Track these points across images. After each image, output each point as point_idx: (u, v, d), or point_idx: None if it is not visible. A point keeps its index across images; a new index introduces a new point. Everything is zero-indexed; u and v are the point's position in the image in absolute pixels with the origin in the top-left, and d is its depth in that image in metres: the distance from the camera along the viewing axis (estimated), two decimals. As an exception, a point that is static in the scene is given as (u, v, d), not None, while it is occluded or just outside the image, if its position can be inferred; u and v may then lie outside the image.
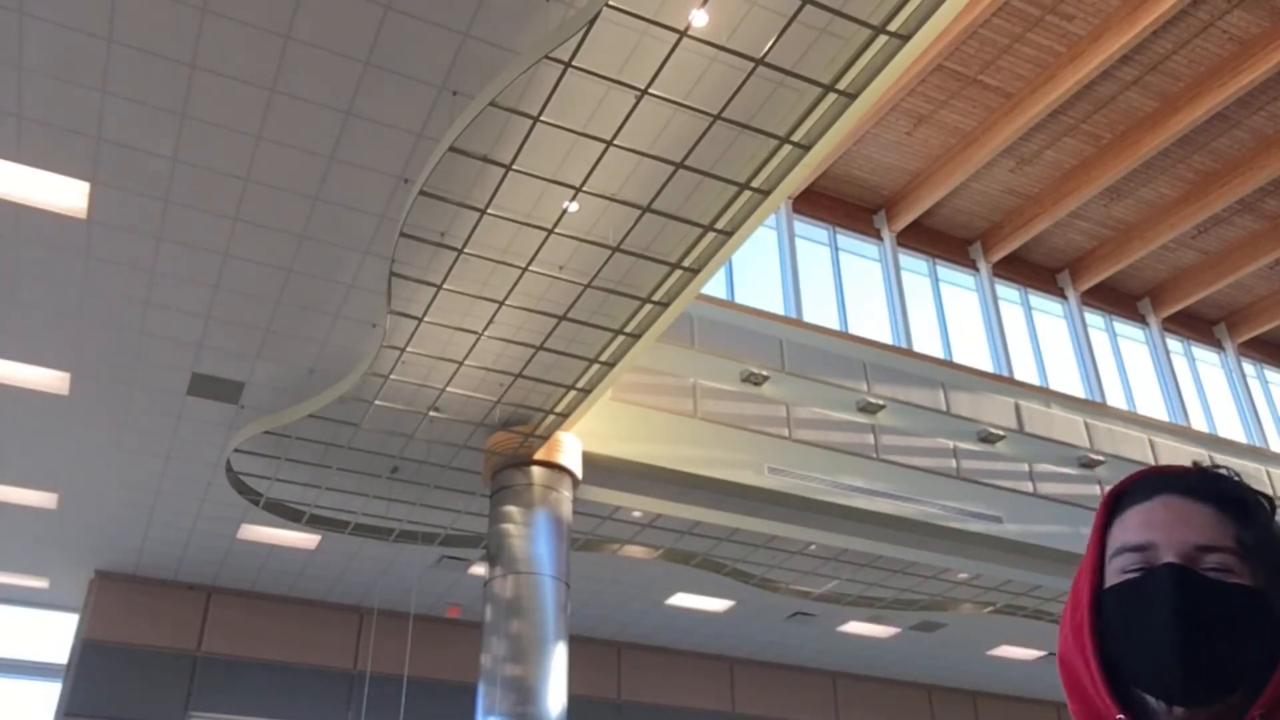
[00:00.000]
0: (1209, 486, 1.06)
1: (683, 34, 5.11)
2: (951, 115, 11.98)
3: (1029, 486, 11.27)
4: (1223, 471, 1.08)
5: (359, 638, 12.27)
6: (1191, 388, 15.23)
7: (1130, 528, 1.06)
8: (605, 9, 4.82)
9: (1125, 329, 15.23)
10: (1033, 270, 14.62)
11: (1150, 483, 1.09)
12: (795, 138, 5.80)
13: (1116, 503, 1.10)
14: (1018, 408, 12.02)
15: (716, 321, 10.59)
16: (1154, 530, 1.03)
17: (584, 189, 6.02)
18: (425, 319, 6.95)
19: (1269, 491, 1.15)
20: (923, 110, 11.94)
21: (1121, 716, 1.00)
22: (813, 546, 10.59)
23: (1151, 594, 0.99)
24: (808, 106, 5.68)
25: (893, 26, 5.19)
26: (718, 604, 12.52)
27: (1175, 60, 11.14)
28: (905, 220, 13.38)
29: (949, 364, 12.39)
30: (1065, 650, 1.05)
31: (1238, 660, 0.95)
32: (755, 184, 6.13)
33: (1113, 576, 1.04)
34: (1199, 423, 14.65)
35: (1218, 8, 10.52)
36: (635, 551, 10.76)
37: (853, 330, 12.33)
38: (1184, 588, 0.98)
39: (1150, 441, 12.81)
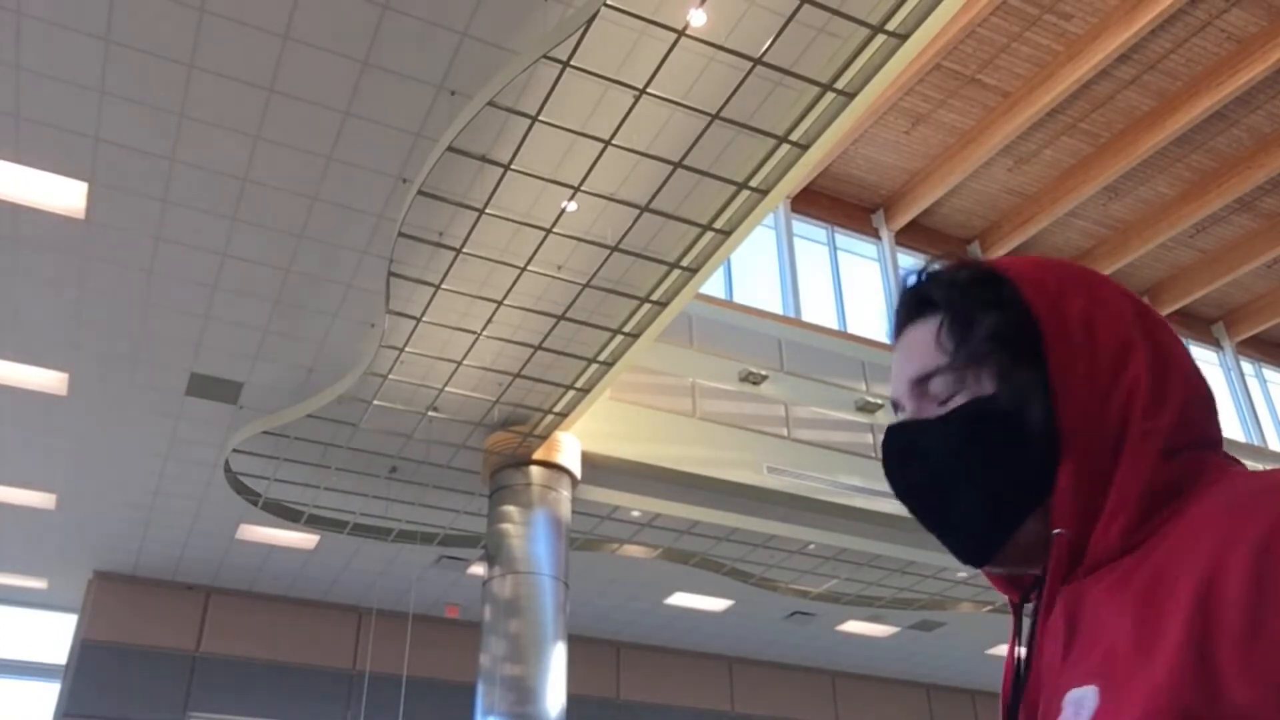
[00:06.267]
0: (913, 298, 0.88)
1: (681, 33, 5.11)
2: (949, 114, 11.98)
3: (1027, 485, 11.27)
4: (942, 263, 0.88)
5: (358, 638, 12.27)
6: (1190, 386, 15.21)
7: None
8: (603, 8, 4.82)
9: (1123, 328, 15.22)
10: (1031, 269, 14.61)
11: (895, 323, 0.92)
12: (793, 137, 5.80)
13: None
14: (1016, 407, 12.01)
15: (715, 321, 10.59)
16: (892, 381, 0.89)
17: (582, 188, 6.02)
18: (424, 319, 6.95)
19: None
20: (921, 109, 11.94)
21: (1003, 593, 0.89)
22: (811, 546, 10.60)
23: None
24: (806, 106, 5.68)
25: (891, 26, 5.19)
26: (716, 603, 12.52)
27: (1173, 59, 11.15)
28: (904, 219, 13.38)
29: (947, 363, 12.38)
30: None
31: (989, 493, 0.80)
32: (753, 183, 6.13)
33: None
34: (1197, 421, 14.64)
35: (1215, 7, 10.53)
36: (634, 551, 10.76)
37: (851, 329, 12.33)
38: (902, 449, 0.84)
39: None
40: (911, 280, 0.89)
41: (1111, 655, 0.70)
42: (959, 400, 0.81)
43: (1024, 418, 0.79)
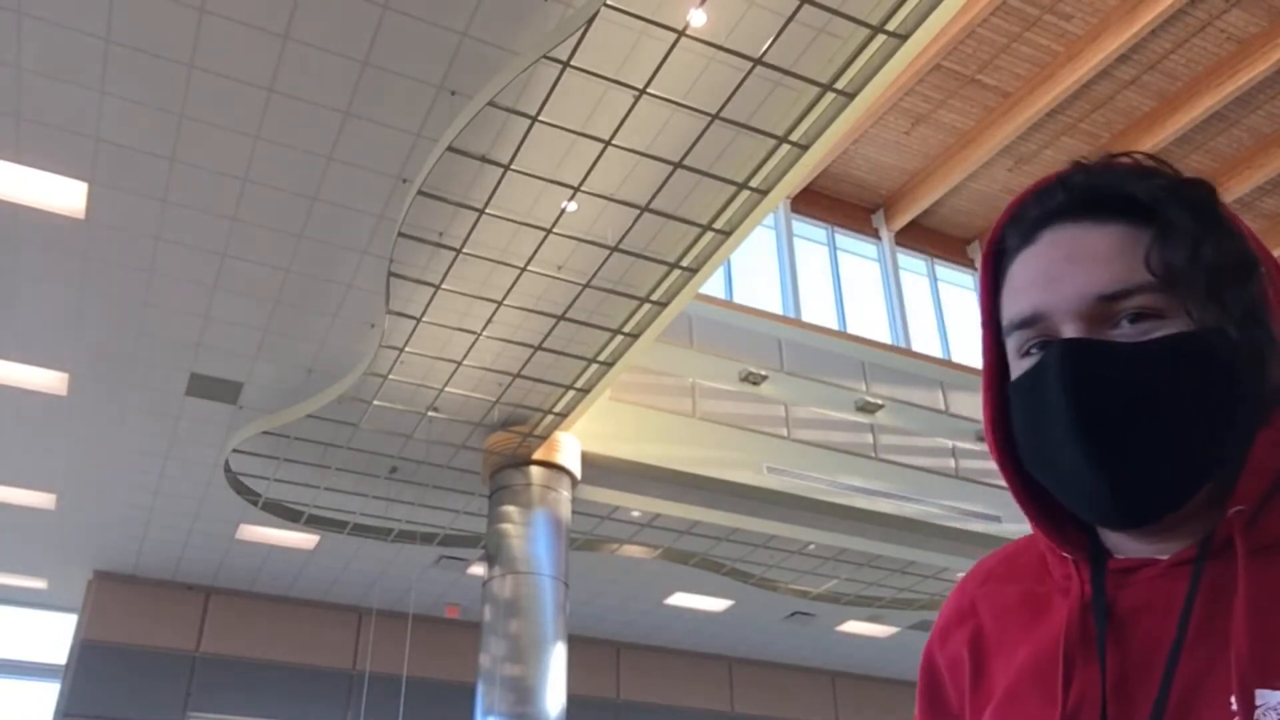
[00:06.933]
0: (1105, 193, 0.74)
1: (681, 33, 5.11)
2: (949, 115, 11.98)
3: (1027, 486, 11.27)
4: (1123, 161, 0.75)
5: (358, 638, 12.27)
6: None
7: (1016, 291, 0.76)
8: (603, 8, 4.82)
9: (1123, 328, 15.23)
10: (1031, 269, 14.62)
11: (1028, 214, 0.77)
12: (793, 137, 5.80)
13: (1000, 257, 0.79)
14: (1016, 407, 12.01)
15: (715, 321, 10.59)
16: (1041, 289, 0.73)
17: (582, 189, 6.02)
18: (424, 319, 6.95)
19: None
20: (921, 110, 11.94)
21: (1067, 555, 0.76)
22: (811, 546, 10.59)
23: (1047, 390, 0.70)
24: (806, 106, 5.68)
25: (891, 26, 5.19)
26: (716, 604, 12.52)
27: (1173, 60, 11.15)
28: (903, 220, 13.39)
29: (947, 363, 12.39)
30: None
31: (1187, 445, 0.67)
32: (753, 183, 6.13)
33: (1014, 368, 0.75)
34: (1197, 422, 14.65)
35: (1215, 7, 10.53)
36: (634, 551, 10.76)
37: (851, 330, 12.34)
38: (1086, 374, 0.68)
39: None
40: (1113, 166, 0.75)
41: None
42: (1164, 329, 0.68)
43: (1255, 365, 0.68)
